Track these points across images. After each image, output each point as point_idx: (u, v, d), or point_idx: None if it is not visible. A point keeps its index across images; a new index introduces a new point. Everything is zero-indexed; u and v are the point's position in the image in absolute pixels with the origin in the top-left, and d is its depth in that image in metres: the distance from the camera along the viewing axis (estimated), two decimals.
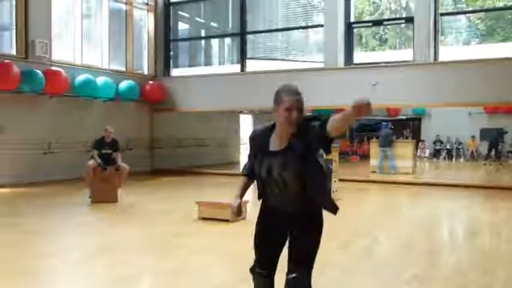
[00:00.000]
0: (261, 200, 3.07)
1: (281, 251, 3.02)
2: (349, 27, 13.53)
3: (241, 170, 3.21)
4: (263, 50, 15.71)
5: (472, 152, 22.70)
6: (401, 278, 4.70)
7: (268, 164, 2.88)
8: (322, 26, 13.78)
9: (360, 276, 4.82)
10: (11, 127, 11.66)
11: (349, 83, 12.80)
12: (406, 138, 20.31)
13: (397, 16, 14.81)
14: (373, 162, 15.93)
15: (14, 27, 12.18)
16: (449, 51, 12.79)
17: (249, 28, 15.06)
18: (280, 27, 15.17)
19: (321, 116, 2.80)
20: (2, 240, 6.18)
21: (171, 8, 16.30)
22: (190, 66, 17.02)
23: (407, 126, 23.50)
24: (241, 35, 15.00)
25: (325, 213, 2.94)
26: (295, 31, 15.08)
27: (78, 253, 5.65)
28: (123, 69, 15.11)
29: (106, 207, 8.70)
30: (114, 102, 14.10)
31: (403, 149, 15.64)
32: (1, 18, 12.72)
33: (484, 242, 6.62)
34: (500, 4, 13.74)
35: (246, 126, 21.68)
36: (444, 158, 23.18)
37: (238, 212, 3.14)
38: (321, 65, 13.61)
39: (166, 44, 16.18)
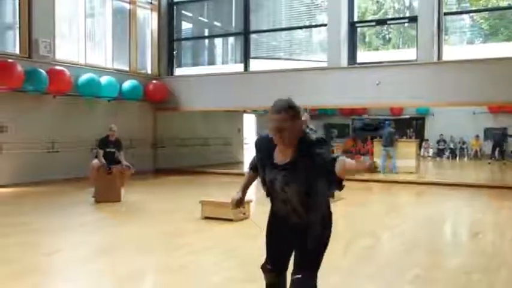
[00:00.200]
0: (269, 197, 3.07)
1: (291, 254, 3.01)
2: (352, 26, 13.51)
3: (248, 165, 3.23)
4: (266, 50, 15.71)
5: (476, 152, 22.66)
6: (404, 278, 4.69)
7: (272, 177, 2.88)
8: (325, 25, 13.77)
9: (362, 276, 4.81)
10: (15, 126, 11.69)
11: (352, 82, 12.80)
12: (410, 137, 20.27)
13: (401, 15, 14.80)
14: (377, 161, 15.89)
15: (18, 26, 12.21)
16: (452, 51, 12.75)
17: (252, 27, 15.05)
18: (283, 26, 15.15)
19: (325, 141, 2.75)
20: (8, 239, 6.20)
21: (174, 7, 16.31)
22: (193, 65, 17.03)
23: (411, 126, 23.45)
24: (245, 34, 14.99)
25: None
26: (299, 30, 15.06)
27: (82, 252, 5.67)
28: (127, 68, 15.13)
29: (109, 207, 8.72)
30: (117, 101, 14.12)
31: (407, 149, 15.62)
32: (5, 17, 12.74)
33: (487, 242, 6.60)
34: (504, 3, 13.69)
35: (249, 125, 21.68)
36: (448, 158, 23.15)
37: (237, 205, 3.18)
38: (324, 65, 13.60)
39: (169, 44, 16.19)
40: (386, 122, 16.40)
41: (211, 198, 7.97)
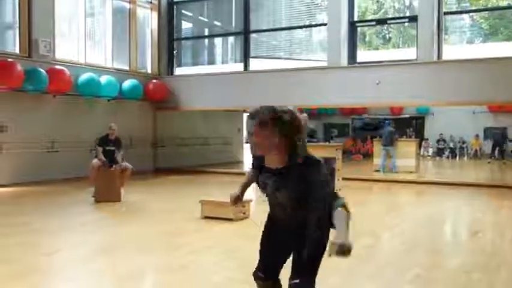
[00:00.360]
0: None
1: (285, 261, 2.97)
2: (352, 26, 13.52)
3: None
4: (266, 49, 15.71)
5: (476, 151, 22.68)
6: (404, 278, 4.69)
7: (264, 180, 2.84)
8: (325, 24, 13.77)
9: (362, 276, 4.81)
10: (15, 126, 11.69)
11: (352, 81, 12.81)
12: (409, 137, 20.30)
13: (401, 15, 14.80)
14: (377, 161, 15.92)
15: (18, 25, 12.21)
16: (452, 50, 12.76)
17: (252, 27, 15.05)
18: (283, 26, 15.15)
19: (316, 161, 2.70)
20: (8, 239, 6.20)
21: (174, 6, 16.31)
22: (193, 65, 17.04)
23: (411, 125, 23.49)
24: (245, 33, 14.99)
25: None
26: (299, 30, 15.05)
27: (82, 252, 5.67)
28: (127, 68, 15.13)
29: (109, 206, 8.72)
30: (117, 101, 14.12)
31: (406, 148, 15.63)
32: (5, 17, 12.74)
33: (487, 241, 6.60)
34: (504, 3, 13.70)
35: None
36: (447, 157, 23.17)
37: (235, 202, 3.16)
38: (324, 64, 13.60)
39: (169, 43, 16.19)
40: (386, 121, 16.41)
41: (211, 197, 7.97)
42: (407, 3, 14.73)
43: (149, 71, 16.04)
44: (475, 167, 19.18)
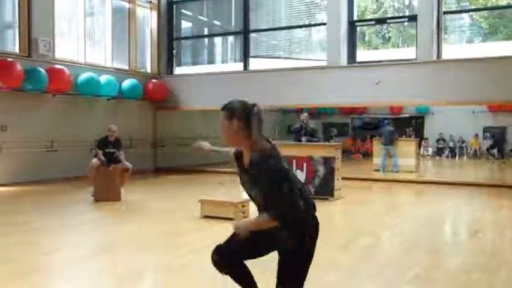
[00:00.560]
0: None
1: (249, 257, 3.04)
2: (352, 25, 13.52)
3: None
4: (266, 49, 15.71)
5: (475, 151, 22.68)
6: (404, 277, 4.70)
7: (240, 176, 2.93)
8: (325, 24, 13.77)
9: (361, 276, 4.82)
10: (14, 125, 11.69)
11: (352, 81, 12.81)
12: (409, 136, 20.29)
13: (400, 14, 14.80)
14: (376, 160, 15.93)
15: (17, 25, 12.20)
16: (452, 50, 12.75)
17: (252, 26, 15.05)
18: (283, 25, 15.14)
19: (264, 155, 2.68)
20: (7, 238, 6.20)
21: (174, 6, 16.30)
22: (193, 64, 17.03)
23: (410, 125, 23.47)
24: (244, 33, 14.99)
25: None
26: (298, 29, 15.05)
27: (82, 251, 5.67)
28: (126, 67, 15.12)
29: (109, 206, 8.72)
30: (117, 100, 14.12)
31: (406, 147, 15.64)
32: (4, 16, 12.73)
33: (487, 241, 6.60)
34: (504, 2, 13.69)
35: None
36: (447, 156, 23.16)
37: (196, 149, 3.43)
38: (324, 63, 13.60)
39: (169, 43, 16.18)
40: (386, 120, 16.41)
41: (210, 197, 7.97)
42: (406, 3, 14.73)
43: (149, 70, 16.04)
44: (475, 167, 19.19)
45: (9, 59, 11.27)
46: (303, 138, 10.37)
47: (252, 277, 3.13)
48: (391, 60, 13.29)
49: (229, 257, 3.05)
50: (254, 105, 2.83)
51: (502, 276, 4.82)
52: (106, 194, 9.07)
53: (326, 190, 9.38)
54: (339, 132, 24.79)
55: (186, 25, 17.58)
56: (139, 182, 11.82)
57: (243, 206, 7.33)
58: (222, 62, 17.11)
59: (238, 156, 2.95)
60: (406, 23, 14.45)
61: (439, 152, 23.55)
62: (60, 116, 12.78)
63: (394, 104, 18.05)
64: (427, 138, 23.92)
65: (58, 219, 7.64)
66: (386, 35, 16.21)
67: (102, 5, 14.76)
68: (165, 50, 16.12)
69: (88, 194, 9.30)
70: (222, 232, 6.70)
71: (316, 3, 14.78)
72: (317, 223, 2.82)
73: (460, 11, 13.25)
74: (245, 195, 3.29)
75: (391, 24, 14.90)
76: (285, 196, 2.62)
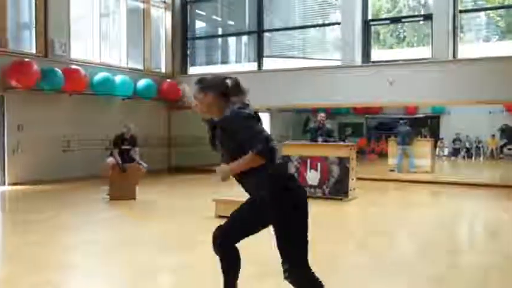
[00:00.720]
0: None
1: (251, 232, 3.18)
2: (366, 24, 13.45)
3: None
4: (280, 48, 15.69)
5: (492, 151, 22.44)
6: (421, 277, 4.66)
7: (214, 143, 3.29)
8: (339, 23, 13.73)
9: (378, 276, 4.79)
10: (31, 125, 11.82)
11: (366, 81, 12.75)
12: (424, 136, 20.13)
13: (415, 13, 14.67)
14: (391, 160, 15.82)
15: (34, 26, 12.34)
16: (468, 49, 12.62)
17: (266, 26, 15.05)
18: (297, 25, 15.11)
19: (232, 111, 2.97)
20: (28, 236, 6.29)
21: (188, 6, 16.36)
22: (207, 64, 17.06)
23: (426, 125, 23.27)
24: (258, 33, 15.00)
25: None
26: (312, 29, 15.01)
27: (98, 249, 5.72)
28: (141, 67, 15.21)
29: (124, 204, 8.78)
30: (132, 100, 14.21)
31: (422, 148, 15.50)
32: (22, 17, 12.87)
33: (505, 242, 6.52)
34: None
35: (263, 124, 21.65)
36: (463, 157, 22.93)
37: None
38: (338, 63, 13.55)
39: (183, 43, 16.25)
40: (402, 120, 16.28)
41: (224, 196, 7.97)
42: (422, 2, 14.61)
43: (163, 70, 16.11)
44: (492, 167, 18.98)
45: (26, 59, 11.41)
46: (319, 139, 10.31)
47: (238, 273, 3.28)
48: (406, 59, 13.20)
49: (228, 234, 3.23)
50: (226, 77, 3.16)
51: None
52: (121, 193, 9.14)
53: (340, 190, 9.35)
54: (353, 132, 24.66)
55: (200, 25, 17.63)
56: (154, 181, 11.88)
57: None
58: (236, 62, 17.11)
59: (213, 124, 3.20)
60: (421, 22, 14.32)
61: (455, 152, 23.31)
62: (76, 116, 12.90)
63: (409, 103, 17.94)
64: (442, 138, 23.72)
65: (75, 218, 7.71)
66: (401, 34, 16.09)
67: (117, 5, 14.85)
68: (180, 50, 16.19)
69: (103, 192, 9.38)
70: None
71: (330, 3, 14.73)
72: (298, 187, 2.99)
73: (476, 10, 13.11)
74: None
75: (406, 23, 14.78)
76: (260, 132, 2.91)
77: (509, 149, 20.97)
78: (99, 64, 13.69)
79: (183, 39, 16.22)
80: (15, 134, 11.58)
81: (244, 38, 17.23)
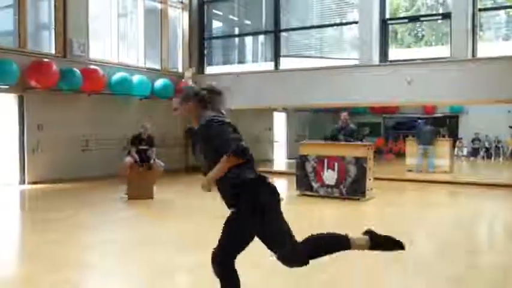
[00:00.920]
0: None
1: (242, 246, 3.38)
2: (384, 23, 13.36)
3: None
4: (297, 48, 15.65)
5: None
6: (440, 277, 4.62)
7: (194, 149, 3.59)
8: (356, 22, 13.65)
9: (396, 276, 4.76)
10: (50, 124, 11.97)
11: (384, 80, 12.66)
12: (443, 136, 19.93)
13: (434, 12, 14.53)
14: (409, 160, 15.69)
15: (53, 26, 12.48)
16: (488, 47, 12.46)
17: (282, 25, 15.03)
18: (314, 24, 15.05)
19: (209, 125, 3.17)
20: (47, 234, 6.37)
21: (205, 6, 16.40)
22: (224, 64, 17.08)
23: (444, 124, 23.02)
24: (275, 32, 14.98)
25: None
26: (330, 28, 14.95)
27: (116, 248, 5.77)
28: (158, 67, 15.29)
29: (142, 204, 8.84)
30: (149, 100, 14.29)
31: (441, 148, 15.34)
32: (41, 18, 13.03)
33: None
34: None
35: (280, 124, 21.65)
36: (483, 157, 22.63)
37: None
38: (356, 62, 13.48)
39: (200, 42, 16.29)
40: (421, 120, 16.10)
41: None
42: (440, 0, 14.46)
43: (180, 70, 16.17)
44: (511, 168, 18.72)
45: (45, 60, 11.55)
46: (341, 137, 10.18)
47: None
48: (424, 58, 13.08)
49: (223, 254, 3.34)
50: (203, 88, 3.47)
51: None
52: (139, 192, 9.20)
53: (358, 190, 9.31)
54: (371, 132, 24.51)
55: (217, 25, 17.66)
56: (172, 180, 11.94)
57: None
58: (253, 62, 17.10)
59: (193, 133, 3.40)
60: (439, 21, 14.18)
61: (474, 152, 23.01)
62: (95, 116, 13.02)
63: (427, 103, 17.78)
64: (461, 138, 23.45)
65: (93, 217, 7.79)
66: (419, 33, 15.95)
67: (135, 5, 14.96)
68: (197, 49, 16.23)
69: (121, 192, 9.45)
70: None
71: (348, 2, 14.66)
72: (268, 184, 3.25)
73: (496, 8, 12.94)
74: None
75: (424, 22, 14.65)
76: (234, 135, 3.12)
77: None
78: (117, 64, 13.80)
79: (200, 39, 16.27)
80: (35, 134, 11.73)
81: (261, 38, 17.20)
